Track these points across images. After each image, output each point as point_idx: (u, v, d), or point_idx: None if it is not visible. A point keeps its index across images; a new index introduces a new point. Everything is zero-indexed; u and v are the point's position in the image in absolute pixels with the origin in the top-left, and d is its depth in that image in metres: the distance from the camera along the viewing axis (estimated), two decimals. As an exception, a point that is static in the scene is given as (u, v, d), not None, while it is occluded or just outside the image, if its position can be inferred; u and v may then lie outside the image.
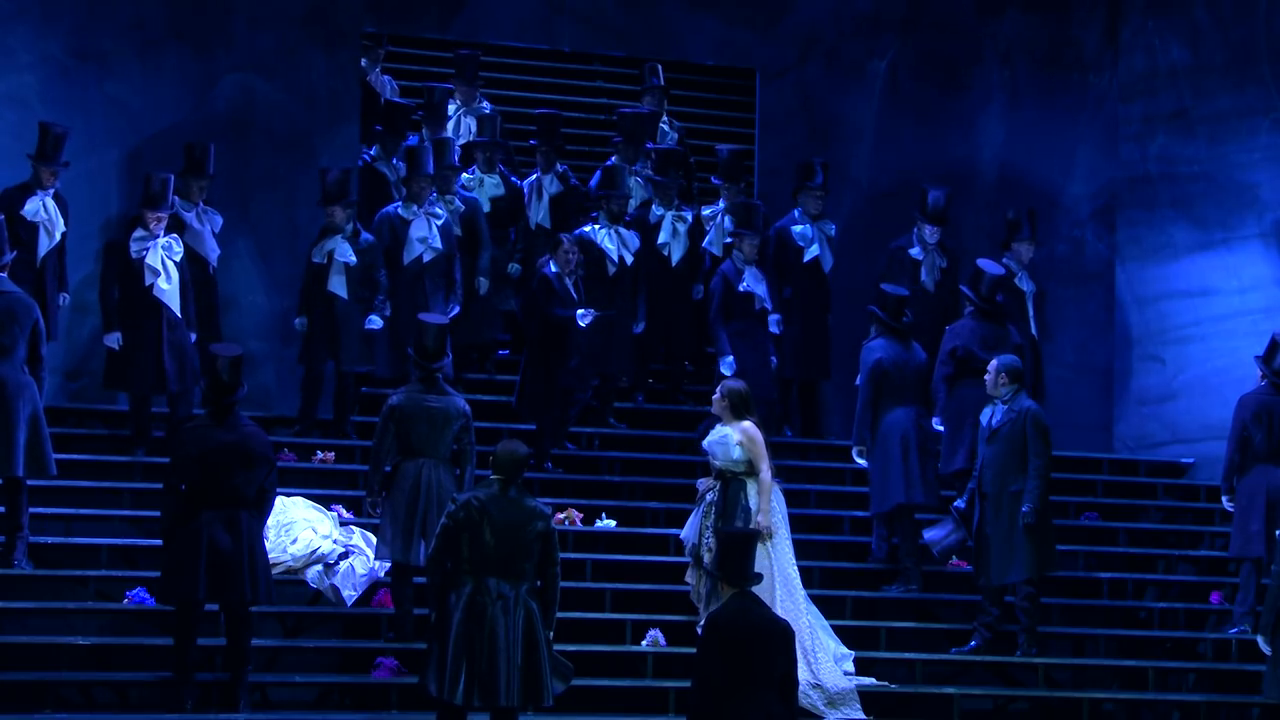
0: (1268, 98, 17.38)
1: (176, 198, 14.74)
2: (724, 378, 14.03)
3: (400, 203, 15.46)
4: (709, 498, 12.91)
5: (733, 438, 12.80)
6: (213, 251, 15.06)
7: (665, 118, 17.73)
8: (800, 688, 12.33)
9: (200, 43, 15.68)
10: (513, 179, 16.55)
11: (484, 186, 16.32)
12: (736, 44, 18.43)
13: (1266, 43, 17.42)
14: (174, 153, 15.19)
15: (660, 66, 17.75)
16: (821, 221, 16.31)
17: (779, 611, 12.39)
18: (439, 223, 15.24)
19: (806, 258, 16.13)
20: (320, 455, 14.65)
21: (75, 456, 13.91)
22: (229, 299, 15.38)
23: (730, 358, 15.15)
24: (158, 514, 12.06)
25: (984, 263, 15.18)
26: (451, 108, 17.23)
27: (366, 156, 16.53)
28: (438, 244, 15.18)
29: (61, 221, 14.42)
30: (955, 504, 13.71)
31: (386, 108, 16.93)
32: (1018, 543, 13.28)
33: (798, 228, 16.14)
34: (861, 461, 14.36)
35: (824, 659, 12.68)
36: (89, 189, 15.13)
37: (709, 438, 12.98)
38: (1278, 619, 12.48)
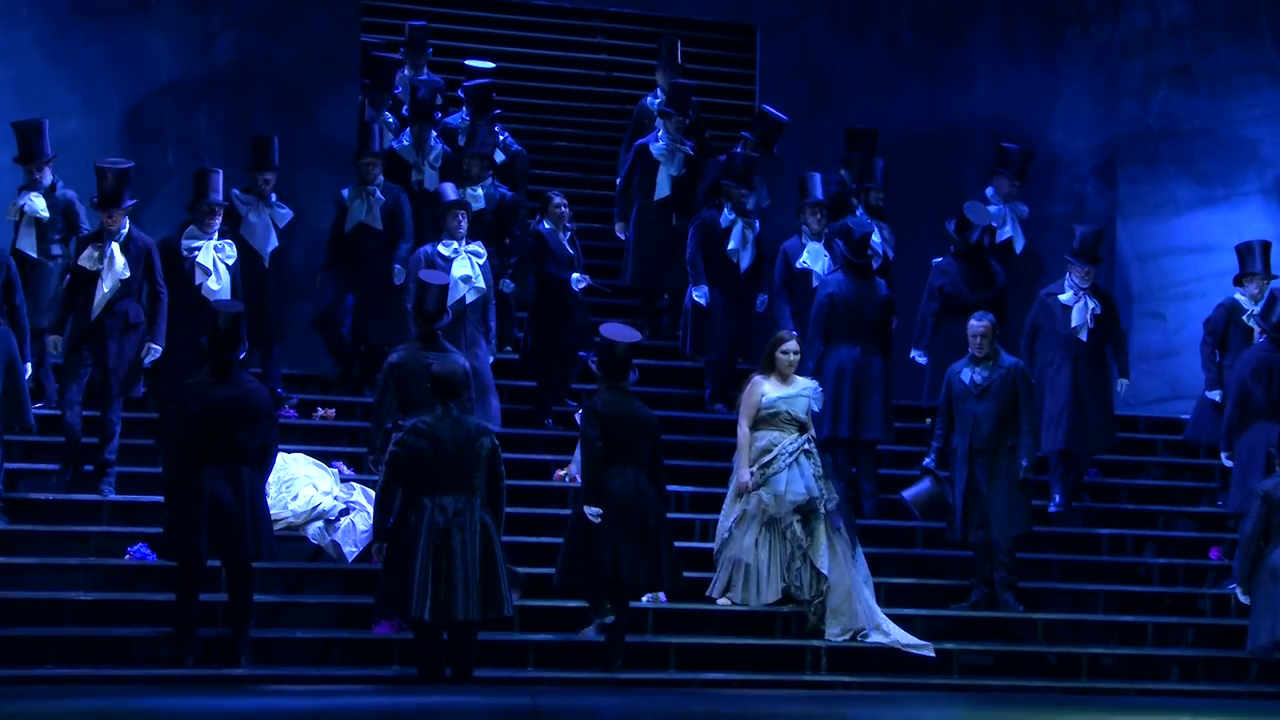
0: (1269, 53, 17.33)
1: (236, 190, 14.53)
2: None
3: (436, 241, 14.38)
4: (808, 449, 13.01)
5: (820, 389, 13.30)
6: (268, 245, 14.56)
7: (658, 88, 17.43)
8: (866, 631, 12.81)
9: (199, -2, 15.67)
10: (502, 189, 15.52)
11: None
12: (737, 0, 18.37)
13: (1268, -2, 17.40)
14: (173, 109, 15.16)
15: (679, 42, 17.09)
16: (1014, 203, 16.49)
17: (845, 566, 12.69)
18: (480, 261, 14.32)
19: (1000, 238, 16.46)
20: (321, 412, 14.67)
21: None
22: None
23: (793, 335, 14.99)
24: (159, 470, 12.06)
25: (970, 209, 15.32)
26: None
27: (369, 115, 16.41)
28: (482, 284, 14.21)
29: (124, 266, 13.07)
30: (924, 462, 13.75)
31: (372, 61, 16.47)
32: (1017, 498, 13.33)
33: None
34: None
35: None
36: (88, 146, 15.07)
37: (795, 388, 13.07)
38: (1253, 569, 12.57)
